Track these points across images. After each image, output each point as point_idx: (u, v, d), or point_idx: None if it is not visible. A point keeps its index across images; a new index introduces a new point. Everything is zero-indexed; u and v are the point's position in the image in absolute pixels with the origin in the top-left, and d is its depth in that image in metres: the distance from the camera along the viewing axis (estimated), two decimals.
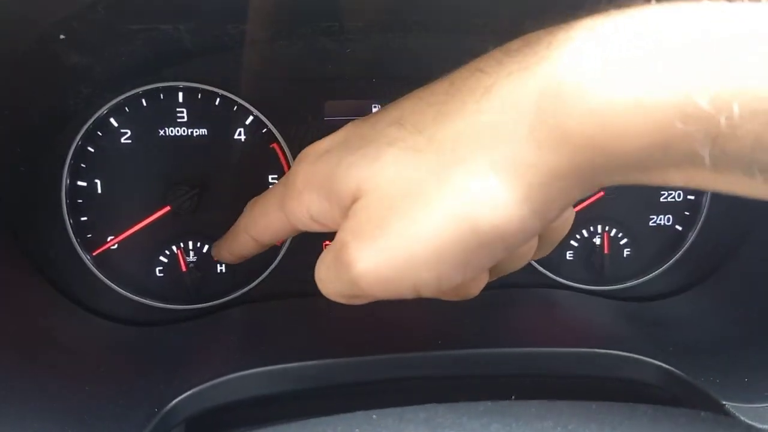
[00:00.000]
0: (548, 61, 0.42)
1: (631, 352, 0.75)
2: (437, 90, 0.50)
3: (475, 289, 0.57)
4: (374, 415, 0.49)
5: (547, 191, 0.43)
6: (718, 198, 0.95)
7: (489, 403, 0.51)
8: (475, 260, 0.46)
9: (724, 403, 0.66)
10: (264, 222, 0.66)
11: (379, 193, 0.48)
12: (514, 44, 0.47)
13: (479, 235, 0.44)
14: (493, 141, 0.44)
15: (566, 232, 0.61)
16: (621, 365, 0.75)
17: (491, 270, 0.56)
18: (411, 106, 0.51)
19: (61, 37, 0.62)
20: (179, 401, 0.69)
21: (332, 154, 0.53)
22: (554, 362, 0.74)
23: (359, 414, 0.50)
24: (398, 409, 0.50)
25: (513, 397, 0.52)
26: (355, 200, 0.50)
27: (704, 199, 0.96)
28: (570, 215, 0.60)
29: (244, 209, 0.72)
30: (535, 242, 0.57)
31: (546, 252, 0.62)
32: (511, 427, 0.46)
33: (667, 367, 0.73)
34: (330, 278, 0.53)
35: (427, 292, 0.49)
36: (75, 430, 0.66)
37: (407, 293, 0.50)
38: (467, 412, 0.50)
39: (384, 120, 0.51)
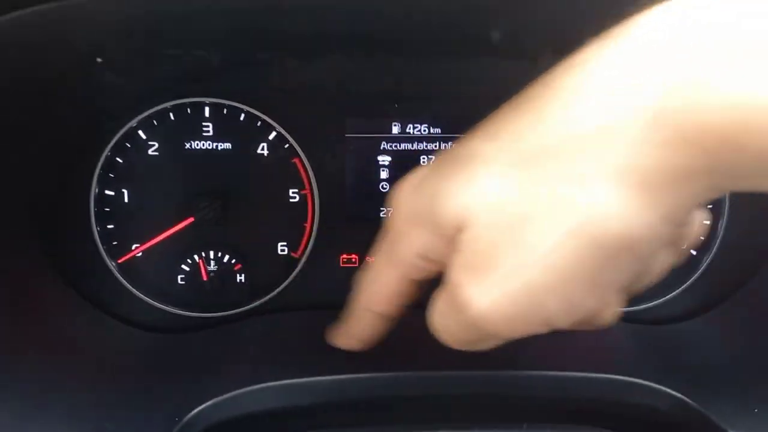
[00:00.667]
0: (664, 51, 0.37)
1: (641, 378, 0.76)
2: (533, 94, 0.44)
3: (609, 315, 0.50)
4: None
5: (675, 194, 0.39)
6: (734, 223, 0.96)
7: None
8: (604, 277, 0.41)
9: None
10: (379, 287, 0.59)
11: (483, 221, 0.43)
12: (614, 33, 0.41)
13: (604, 248, 0.40)
14: (604, 145, 0.39)
15: (695, 233, 0.53)
16: (632, 391, 0.75)
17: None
18: (505, 116, 0.45)
19: (98, 60, 0.65)
20: (199, 411, 0.72)
21: (427, 183, 0.49)
22: (567, 386, 0.76)
23: None
24: None
25: (525, 425, 0.53)
26: (460, 230, 0.45)
27: (720, 223, 0.96)
28: (700, 214, 0.53)
29: (354, 289, 0.64)
30: (666, 250, 0.49)
31: (676, 258, 0.53)
32: None
33: (676, 395, 0.74)
34: (448, 326, 0.49)
35: (560, 323, 0.44)
36: None
37: (539, 328, 0.45)
38: None
39: (476, 137, 0.47)
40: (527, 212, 0.41)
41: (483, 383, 0.75)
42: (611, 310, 0.49)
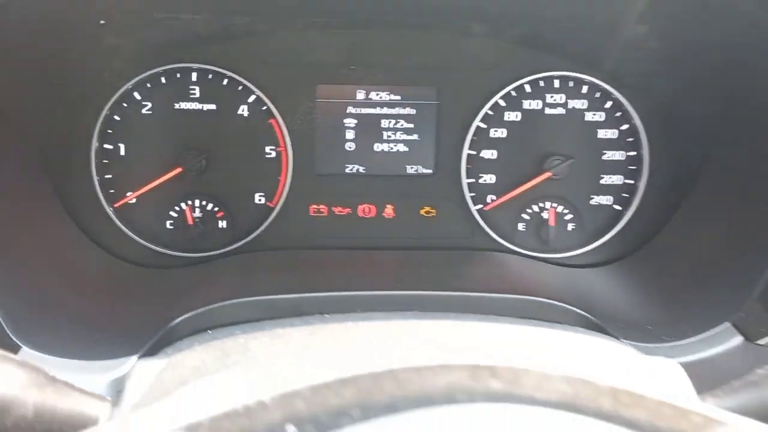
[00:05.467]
0: None
1: (558, 301, 0.90)
2: None
3: None
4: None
5: None
6: (653, 184, 1.10)
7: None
8: None
9: (622, 339, 0.82)
10: None
11: None
12: None
13: None
14: None
15: None
16: (549, 311, 0.89)
17: None
18: None
19: (101, 22, 0.78)
20: (180, 321, 0.85)
21: None
22: (494, 304, 0.89)
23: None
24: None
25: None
26: None
27: (640, 183, 1.11)
28: None
29: None
30: None
31: None
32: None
33: (584, 314, 0.89)
34: None
35: None
36: (98, 335, 0.82)
37: None
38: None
39: None
40: None
41: (426, 302, 0.89)
42: None
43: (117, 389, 0.69)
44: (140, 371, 0.59)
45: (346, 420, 0.32)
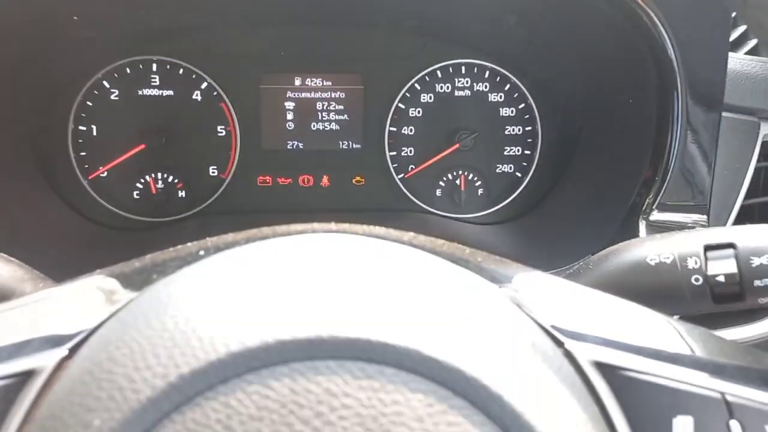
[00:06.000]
0: None
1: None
2: None
3: None
4: None
5: None
6: (545, 154, 1.32)
7: None
8: None
9: None
10: None
11: None
12: None
13: None
14: None
15: None
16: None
17: None
18: None
19: (75, 18, 0.97)
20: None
21: None
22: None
23: None
24: None
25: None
26: None
27: (536, 153, 1.32)
28: None
29: None
30: None
31: None
32: None
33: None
34: None
35: None
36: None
37: None
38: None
39: None
40: None
41: None
42: None
43: None
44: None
45: (234, 246, 0.52)
